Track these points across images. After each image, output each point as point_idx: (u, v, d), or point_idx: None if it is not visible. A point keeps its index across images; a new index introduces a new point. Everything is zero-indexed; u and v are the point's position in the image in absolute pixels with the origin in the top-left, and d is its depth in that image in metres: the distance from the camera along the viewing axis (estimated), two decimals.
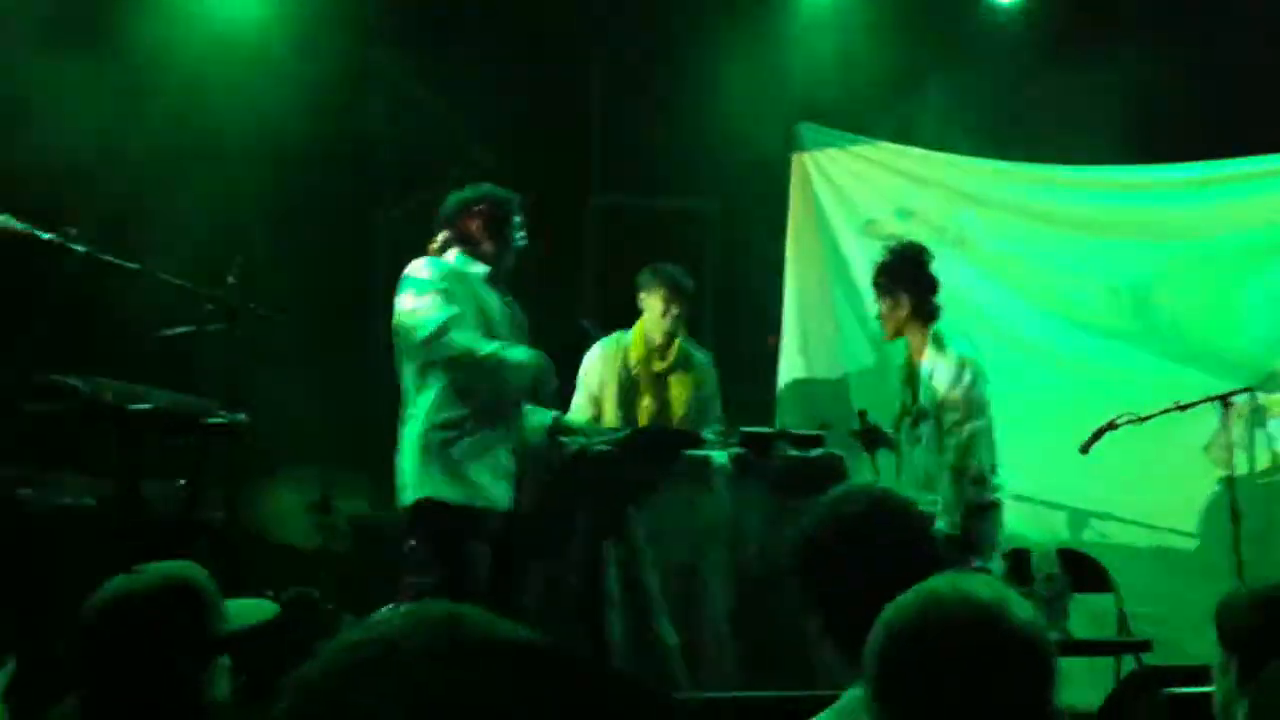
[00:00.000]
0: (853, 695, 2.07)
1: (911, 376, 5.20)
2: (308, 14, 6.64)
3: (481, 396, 4.47)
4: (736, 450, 4.87)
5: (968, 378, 5.05)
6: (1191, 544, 5.92)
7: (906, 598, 1.69)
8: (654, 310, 5.38)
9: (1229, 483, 5.41)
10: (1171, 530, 6.09)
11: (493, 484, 4.48)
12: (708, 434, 4.99)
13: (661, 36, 6.92)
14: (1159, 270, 6.30)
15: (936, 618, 1.63)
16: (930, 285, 5.14)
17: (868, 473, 5.12)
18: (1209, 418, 5.61)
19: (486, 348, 4.43)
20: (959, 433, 5.01)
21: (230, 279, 4.46)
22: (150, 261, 4.30)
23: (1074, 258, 6.39)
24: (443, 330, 4.39)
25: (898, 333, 5.21)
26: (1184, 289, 6.23)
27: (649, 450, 4.76)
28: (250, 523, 5.18)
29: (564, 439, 4.82)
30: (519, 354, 4.49)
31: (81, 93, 6.07)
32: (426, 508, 4.39)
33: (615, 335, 5.46)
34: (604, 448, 4.72)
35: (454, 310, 4.43)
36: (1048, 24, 7.16)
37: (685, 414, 5.39)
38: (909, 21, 7.07)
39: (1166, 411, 5.52)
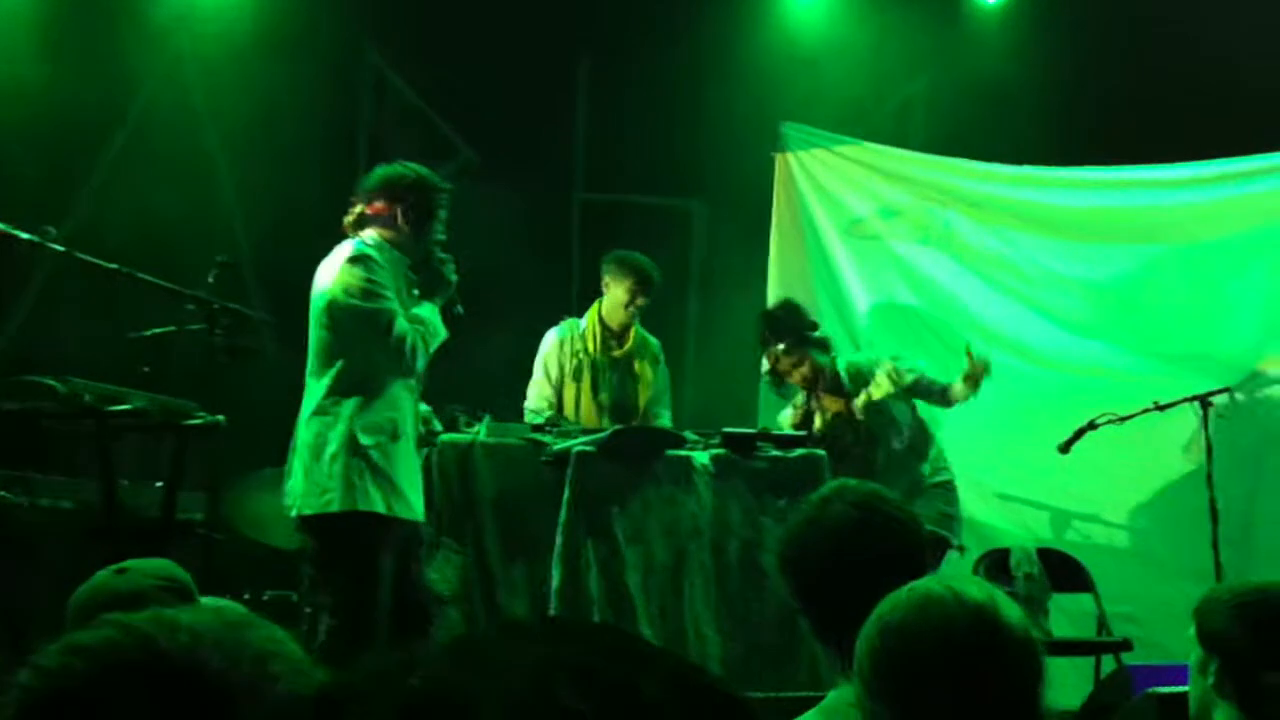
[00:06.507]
0: (838, 695, 2.07)
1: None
2: (294, 14, 6.60)
3: (400, 398, 4.24)
4: (718, 450, 4.87)
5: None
6: (1170, 543, 5.92)
7: (899, 596, 1.70)
8: (618, 298, 5.35)
9: (1208, 482, 5.42)
10: (1150, 530, 6.10)
11: (415, 492, 4.27)
12: (689, 434, 4.99)
13: (646, 35, 6.91)
14: (1141, 270, 6.31)
15: (930, 617, 1.64)
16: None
17: None
18: (1189, 417, 5.63)
19: (417, 327, 4.21)
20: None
21: (210, 279, 4.44)
22: (129, 262, 4.26)
23: (1057, 257, 6.40)
24: (398, 325, 4.16)
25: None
26: (1166, 289, 6.24)
27: (630, 450, 4.75)
28: (229, 524, 5.15)
29: (546, 439, 4.81)
30: (425, 311, 4.26)
31: (63, 91, 6.03)
32: (356, 520, 4.11)
33: (570, 322, 5.44)
34: (585, 447, 4.71)
35: (399, 308, 4.21)
36: (1034, 23, 7.18)
37: (649, 397, 5.40)
38: (894, 21, 7.07)
39: (1146, 411, 5.54)
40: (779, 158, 6.53)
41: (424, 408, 4.56)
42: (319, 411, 4.18)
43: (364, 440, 4.12)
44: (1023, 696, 1.64)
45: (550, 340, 5.41)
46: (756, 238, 6.59)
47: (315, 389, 4.22)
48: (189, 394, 4.19)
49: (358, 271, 4.15)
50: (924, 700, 1.62)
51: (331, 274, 4.19)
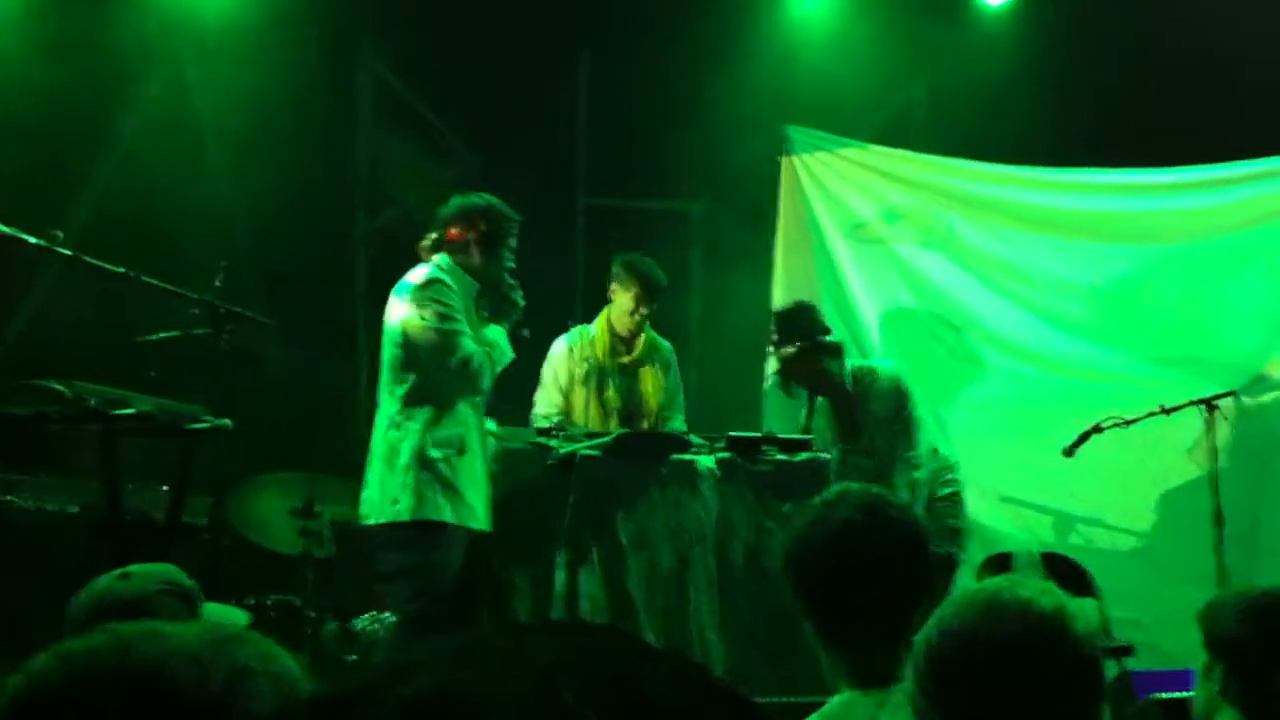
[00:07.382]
0: (839, 701, 2.07)
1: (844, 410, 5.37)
2: (292, 15, 6.61)
3: (466, 415, 4.46)
4: (723, 454, 4.86)
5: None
6: (1174, 548, 5.92)
7: (963, 598, 1.67)
8: (623, 306, 5.36)
9: (1213, 486, 5.42)
10: (1155, 534, 6.10)
11: (481, 503, 4.47)
12: (694, 438, 4.99)
13: (648, 39, 6.92)
14: (1145, 273, 6.31)
15: (991, 621, 1.60)
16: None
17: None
18: (1194, 421, 5.63)
19: (484, 348, 4.47)
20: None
21: (216, 283, 4.46)
22: (128, 265, 4.26)
23: (1059, 259, 6.40)
24: (465, 346, 4.39)
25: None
26: (1170, 292, 6.24)
27: (635, 454, 4.75)
28: (233, 528, 5.15)
29: (551, 443, 4.80)
30: (493, 333, 4.55)
31: (60, 92, 6.04)
32: (426, 528, 4.33)
33: (579, 329, 5.45)
34: (590, 451, 4.70)
35: (468, 330, 4.45)
36: (1036, 26, 7.18)
37: (659, 404, 5.40)
38: (897, 24, 7.08)
39: (1152, 415, 5.54)
40: (784, 161, 6.54)
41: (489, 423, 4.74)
42: (391, 425, 4.44)
43: (433, 453, 4.36)
44: (1079, 713, 1.59)
45: (559, 347, 5.42)
46: (757, 239, 6.60)
47: (388, 404, 4.47)
48: (195, 397, 4.20)
49: (431, 294, 4.42)
50: (976, 706, 1.58)
51: (406, 297, 4.45)
